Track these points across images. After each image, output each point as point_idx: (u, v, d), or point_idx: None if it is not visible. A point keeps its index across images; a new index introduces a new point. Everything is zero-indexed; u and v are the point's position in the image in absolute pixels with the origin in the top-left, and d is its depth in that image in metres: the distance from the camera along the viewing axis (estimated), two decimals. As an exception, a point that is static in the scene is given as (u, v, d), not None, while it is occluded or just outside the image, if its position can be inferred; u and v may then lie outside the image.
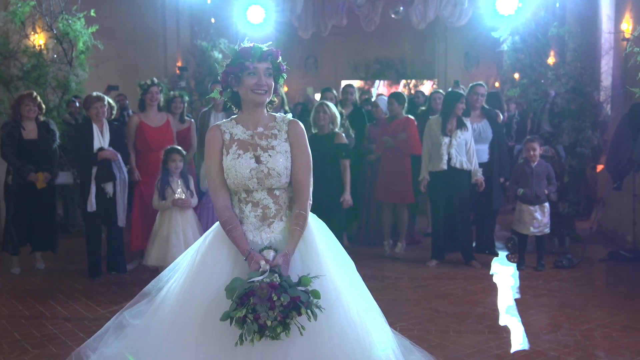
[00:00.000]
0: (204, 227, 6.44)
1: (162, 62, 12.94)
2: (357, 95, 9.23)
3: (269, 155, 3.07)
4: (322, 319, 2.83)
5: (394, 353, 3.10)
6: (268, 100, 3.11)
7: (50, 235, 7.12)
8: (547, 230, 7.05)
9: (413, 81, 20.12)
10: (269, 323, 2.72)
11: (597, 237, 8.46)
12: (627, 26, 7.76)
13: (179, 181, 6.27)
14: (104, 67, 10.71)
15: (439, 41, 19.32)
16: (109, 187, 6.68)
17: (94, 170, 6.63)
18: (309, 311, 2.77)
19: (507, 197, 9.27)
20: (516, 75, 10.27)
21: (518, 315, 5.61)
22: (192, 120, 7.81)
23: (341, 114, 7.94)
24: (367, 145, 8.07)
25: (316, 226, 3.20)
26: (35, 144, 6.85)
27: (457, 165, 7.06)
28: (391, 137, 7.66)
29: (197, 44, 12.08)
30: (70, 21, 8.02)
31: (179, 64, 13.19)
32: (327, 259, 3.09)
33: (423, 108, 8.95)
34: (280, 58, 3.10)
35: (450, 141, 7.03)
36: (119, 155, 6.70)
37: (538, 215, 6.92)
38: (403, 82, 20.29)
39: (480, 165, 7.27)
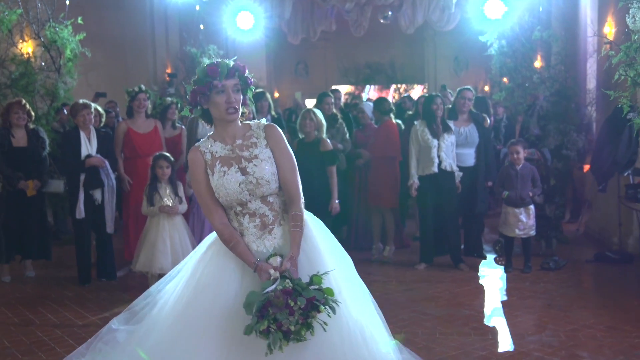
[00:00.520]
0: (193, 233, 6.49)
1: (151, 68, 12.98)
2: (342, 101, 9.30)
3: (254, 164, 3.09)
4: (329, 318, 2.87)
5: (394, 350, 3.17)
6: (239, 116, 3.13)
7: (43, 243, 7.12)
8: (533, 233, 7.11)
9: (403, 86, 20.21)
10: (292, 328, 2.78)
11: (584, 239, 8.54)
12: (609, 29, 7.85)
13: (167, 188, 6.29)
14: (93, 75, 10.77)
15: (428, 45, 19.43)
16: (97, 194, 6.71)
17: (82, 177, 6.66)
18: (327, 307, 2.83)
19: (496, 200, 9.34)
20: (505, 79, 10.34)
21: (504, 317, 5.67)
22: (183, 127, 7.85)
23: (336, 117, 8.02)
24: (354, 150, 8.13)
25: (314, 224, 3.24)
26: (25, 151, 6.86)
27: (448, 168, 7.13)
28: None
29: (186, 51, 12.12)
30: (57, 29, 8.04)
31: (169, 70, 13.22)
32: (327, 256, 3.14)
33: (410, 112, 9.01)
34: (247, 72, 3.13)
35: (439, 144, 7.10)
36: (106, 162, 6.73)
37: (523, 217, 6.98)
38: (393, 86, 20.37)
39: (467, 169, 7.35)
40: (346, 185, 8.08)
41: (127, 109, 7.36)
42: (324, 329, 2.82)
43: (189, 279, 3.17)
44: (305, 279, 2.91)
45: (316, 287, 2.87)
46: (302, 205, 3.17)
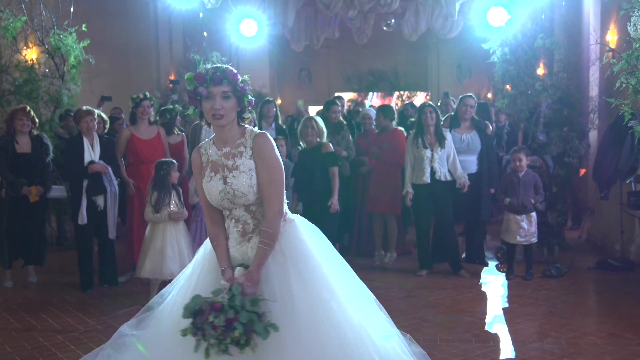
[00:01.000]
0: (193, 240, 6.50)
1: (155, 75, 13.03)
2: (345, 108, 9.33)
3: (233, 176, 3.11)
4: (318, 320, 2.93)
5: (398, 342, 3.23)
6: (228, 122, 3.11)
7: (39, 248, 7.15)
8: (534, 240, 7.11)
9: (406, 93, 20.23)
10: (211, 342, 2.82)
11: (586, 246, 8.52)
12: (611, 37, 7.87)
13: (173, 193, 6.31)
14: (97, 81, 10.82)
15: (431, 53, 19.47)
16: (99, 200, 6.74)
17: (85, 183, 6.69)
18: (256, 330, 2.83)
19: (498, 207, 9.34)
20: (508, 87, 10.35)
21: (505, 324, 5.66)
22: (184, 134, 7.91)
23: (342, 125, 8.03)
24: (358, 158, 8.12)
25: (306, 230, 3.25)
26: (29, 157, 6.90)
27: (442, 178, 7.14)
28: (377, 148, 7.76)
29: (189, 58, 12.14)
30: (62, 36, 8.08)
31: (172, 77, 13.26)
32: (319, 261, 3.14)
33: (413, 119, 9.02)
34: (240, 79, 3.10)
35: (432, 155, 7.11)
36: (109, 168, 6.77)
37: (525, 224, 6.99)
38: (396, 94, 20.40)
39: (469, 176, 7.34)
40: (349, 192, 8.09)
41: (130, 115, 7.41)
42: (253, 350, 2.85)
43: (186, 284, 3.24)
44: (288, 290, 2.95)
45: (250, 309, 2.86)
46: (278, 221, 3.12)
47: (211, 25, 12.27)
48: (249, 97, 3.17)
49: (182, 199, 6.36)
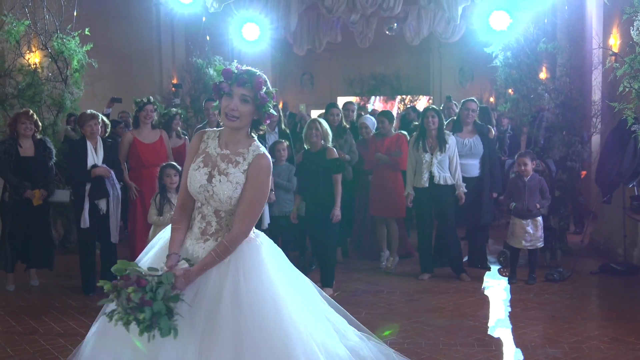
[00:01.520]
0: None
1: (157, 79, 13.05)
2: (355, 113, 9.31)
3: (220, 180, 3.10)
4: (263, 335, 2.91)
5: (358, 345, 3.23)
6: (240, 126, 3.10)
7: (46, 252, 7.16)
8: (540, 244, 7.10)
9: (408, 97, 20.24)
10: (119, 308, 2.86)
11: (589, 250, 8.50)
12: (614, 42, 7.87)
13: (175, 196, 6.30)
14: (100, 85, 10.82)
15: (433, 57, 19.49)
16: (102, 204, 6.74)
17: (88, 187, 6.69)
18: (159, 324, 2.83)
19: (501, 211, 9.33)
20: (510, 91, 10.34)
21: (508, 328, 5.67)
22: (186, 137, 7.93)
23: (345, 129, 8.02)
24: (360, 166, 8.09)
25: (268, 248, 3.22)
26: (32, 161, 6.91)
27: (442, 182, 7.14)
28: (386, 154, 7.76)
29: (192, 62, 12.17)
30: (65, 40, 8.10)
31: (174, 81, 13.28)
32: (273, 278, 3.09)
33: (416, 123, 9.02)
34: (264, 89, 3.08)
35: (432, 159, 7.11)
36: (112, 172, 6.77)
37: (530, 229, 6.98)
38: (398, 98, 20.40)
39: (471, 180, 7.35)
40: (352, 197, 8.09)
41: (133, 119, 7.44)
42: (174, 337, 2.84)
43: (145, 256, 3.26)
44: (240, 297, 2.95)
45: (162, 303, 2.85)
46: (240, 241, 3.09)
47: (214, 29, 12.27)
48: (270, 109, 3.14)
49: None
